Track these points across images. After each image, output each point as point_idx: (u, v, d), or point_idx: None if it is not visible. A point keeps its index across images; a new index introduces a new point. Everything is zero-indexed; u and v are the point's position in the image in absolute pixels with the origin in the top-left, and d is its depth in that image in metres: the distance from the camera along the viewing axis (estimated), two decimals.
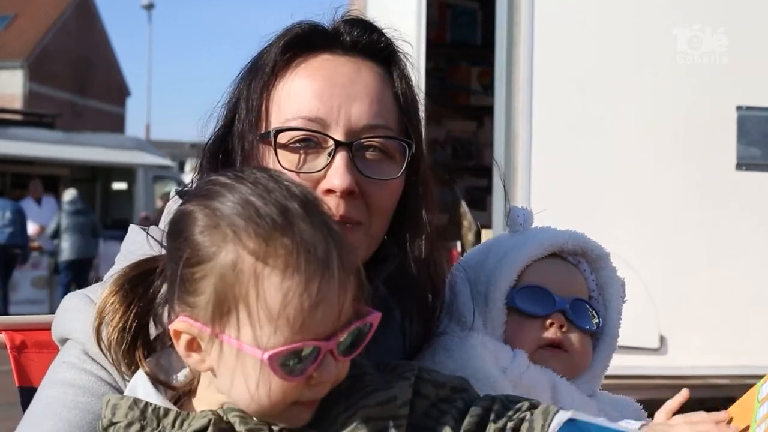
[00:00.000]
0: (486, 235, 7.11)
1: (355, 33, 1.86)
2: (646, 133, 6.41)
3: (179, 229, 1.51)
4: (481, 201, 8.75)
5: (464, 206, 8.13)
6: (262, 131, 1.82)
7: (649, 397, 6.41)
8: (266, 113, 1.82)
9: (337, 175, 1.76)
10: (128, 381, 1.61)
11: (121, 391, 1.66)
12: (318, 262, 1.43)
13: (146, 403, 1.52)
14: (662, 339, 6.26)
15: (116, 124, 41.85)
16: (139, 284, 1.61)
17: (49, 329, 2.10)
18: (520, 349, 1.87)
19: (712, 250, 6.39)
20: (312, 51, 1.84)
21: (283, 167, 1.77)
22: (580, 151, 6.40)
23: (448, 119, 9.57)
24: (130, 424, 1.51)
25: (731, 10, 6.43)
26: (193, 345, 1.49)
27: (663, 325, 6.25)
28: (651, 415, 2.00)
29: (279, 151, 1.79)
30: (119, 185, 24.45)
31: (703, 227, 6.38)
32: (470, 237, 7.86)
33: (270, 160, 1.80)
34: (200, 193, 1.53)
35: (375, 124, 1.81)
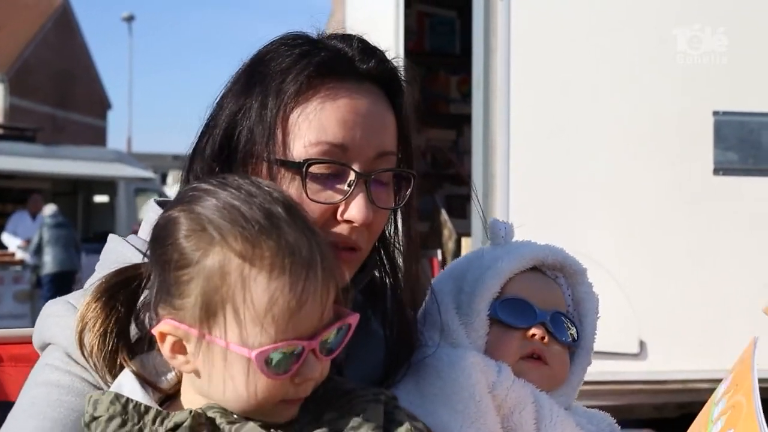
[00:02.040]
0: (466, 243, 7.13)
1: (372, 64, 1.88)
2: (625, 138, 6.44)
3: (164, 234, 1.54)
4: (461, 209, 8.77)
5: (444, 214, 8.15)
6: (279, 153, 1.81)
7: (630, 402, 6.45)
8: (283, 134, 1.82)
9: (358, 208, 1.80)
10: (110, 385, 1.63)
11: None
12: (303, 263, 1.48)
13: (127, 398, 1.55)
14: (642, 344, 6.28)
15: (97, 137, 41.74)
16: (120, 291, 1.64)
17: (26, 343, 2.11)
18: (504, 363, 1.89)
19: (691, 255, 6.42)
20: (334, 77, 1.84)
21: (311, 199, 1.79)
22: (558, 159, 6.42)
23: (427, 128, 9.58)
24: (111, 418, 1.53)
25: (731, 10, 6.47)
26: (178, 347, 1.52)
27: (643, 330, 6.27)
28: (632, 419, 2.03)
29: (306, 180, 1.80)
30: (101, 198, 24.38)
31: (683, 232, 6.41)
32: (451, 245, 7.88)
33: (287, 185, 1.80)
34: (183, 199, 1.56)
35: (385, 152, 1.85)
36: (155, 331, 1.53)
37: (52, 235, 17.17)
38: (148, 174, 24.72)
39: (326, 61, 1.85)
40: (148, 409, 1.54)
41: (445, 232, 8.05)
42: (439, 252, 7.82)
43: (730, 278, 6.38)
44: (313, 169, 1.80)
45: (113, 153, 25.58)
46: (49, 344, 1.80)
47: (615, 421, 2.04)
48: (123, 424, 1.53)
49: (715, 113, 6.41)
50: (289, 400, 1.53)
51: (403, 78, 1.94)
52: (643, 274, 6.36)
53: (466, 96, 8.58)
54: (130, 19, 46.20)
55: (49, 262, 17.11)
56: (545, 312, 1.96)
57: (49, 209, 17.78)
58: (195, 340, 1.50)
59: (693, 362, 6.29)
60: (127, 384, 1.59)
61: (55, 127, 37.33)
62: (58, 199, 20.97)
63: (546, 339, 1.94)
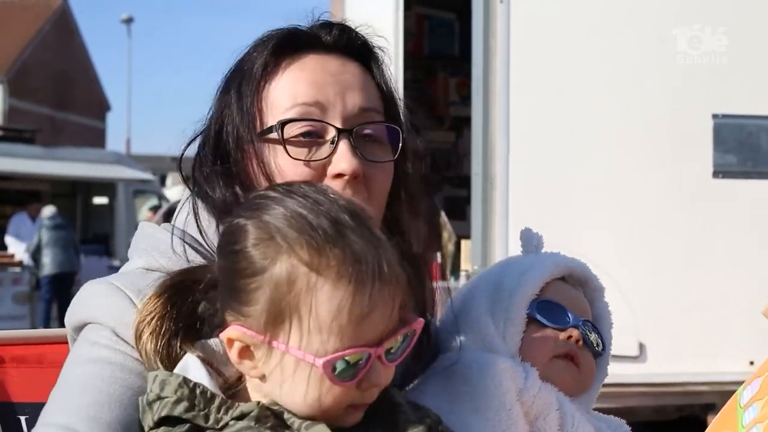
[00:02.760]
0: (465, 245, 7.13)
1: (335, 33, 1.92)
2: (625, 141, 6.45)
3: (232, 241, 1.56)
4: (460, 211, 8.78)
5: (444, 217, 8.15)
6: (259, 130, 1.85)
7: (630, 404, 6.46)
8: (260, 114, 1.86)
9: (344, 159, 1.81)
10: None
11: (146, 371, 1.68)
12: (369, 272, 1.49)
13: (195, 383, 1.56)
14: (641, 347, 6.29)
15: (96, 138, 41.75)
16: (184, 290, 1.66)
17: (27, 344, 2.11)
18: (531, 369, 1.92)
19: (690, 258, 6.42)
20: (298, 51, 1.89)
21: (293, 157, 1.81)
22: (557, 160, 6.43)
23: (426, 130, 9.58)
24: (178, 401, 1.54)
25: (731, 10, 6.48)
26: (245, 353, 1.54)
27: (642, 333, 6.28)
28: (632, 422, 2.06)
29: (286, 144, 1.83)
30: (100, 200, 24.38)
31: (682, 235, 6.42)
32: (450, 247, 7.88)
33: (272, 155, 1.84)
34: (250, 206, 1.59)
35: (368, 107, 1.87)
36: (223, 337, 1.55)
37: (50, 237, 17.17)
38: (147, 176, 24.72)
39: (288, 36, 1.90)
40: (214, 396, 1.56)
41: (445, 235, 8.05)
42: (438, 254, 7.82)
43: (729, 280, 6.39)
44: (292, 131, 1.83)
45: (112, 155, 25.59)
46: (89, 323, 1.79)
47: (630, 429, 2.09)
48: (190, 408, 1.54)
49: (714, 116, 6.42)
50: (356, 405, 1.54)
51: (373, 44, 1.97)
52: (643, 277, 6.36)
53: (466, 98, 8.59)
54: (129, 21, 46.20)
55: (48, 264, 17.11)
56: (578, 318, 2.01)
57: (48, 211, 17.78)
58: (262, 346, 1.52)
59: (692, 364, 6.30)
60: (193, 368, 1.60)
61: (54, 128, 37.34)
62: (57, 200, 20.97)
63: (580, 343, 1.98)
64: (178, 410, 1.54)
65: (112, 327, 1.75)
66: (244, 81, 1.88)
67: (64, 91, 39.56)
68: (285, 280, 1.49)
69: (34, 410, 2.00)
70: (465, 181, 8.14)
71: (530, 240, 2.15)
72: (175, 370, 1.60)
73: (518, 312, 1.98)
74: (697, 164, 6.42)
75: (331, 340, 1.48)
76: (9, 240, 18.97)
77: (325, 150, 1.83)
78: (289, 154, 1.82)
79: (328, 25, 1.94)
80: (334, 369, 1.48)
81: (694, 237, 6.43)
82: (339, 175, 1.81)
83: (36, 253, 17.28)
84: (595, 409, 2.11)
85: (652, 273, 6.40)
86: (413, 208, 1.98)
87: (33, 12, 39.35)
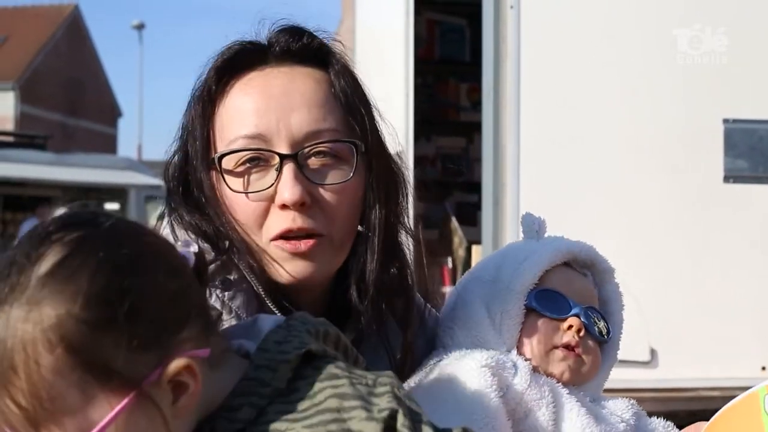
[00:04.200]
0: (476, 250, 7.12)
1: (284, 40, 1.86)
2: (635, 146, 6.43)
3: None
4: (471, 216, 8.76)
5: (454, 222, 8.14)
6: (208, 159, 1.82)
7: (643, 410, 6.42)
8: (211, 140, 1.82)
9: (286, 188, 1.75)
10: None
11: None
12: None
13: None
14: (653, 352, 6.27)
15: (108, 144, 41.87)
16: None
17: None
18: (522, 363, 1.90)
19: (701, 263, 6.40)
20: (244, 69, 1.84)
21: (233, 190, 1.77)
22: (568, 166, 6.41)
23: (437, 135, 9.60)
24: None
25: (731, 10, 6.45)
26: None
27: (653, 338, 6.26)
28: None
29: (226, 176, 1.79)
30: (111, 205, 24.41)
31: (693, 240, 6.40)
32: (461, 253, 7.87)
33: (221, 186, 1.81)
34: None
35: (317, 130, 1.80)
36: None
37: None
38: (158, 182, 24.72)
39: (232, 55, 1.85)
40: None
41: (456, 240, 8.04)
42: (449, 260, 7.81)
43: (741, 285, 6.36)
44: (238, 162, 1.78)
45: (124, 160, 25.62)
46: None
47: (640, 408, 2.06)
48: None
49: (725, 121, 6.40)
50: None
51: (330, 48, 1.90)
52: (654, 282, 6.34)
53: (476, 104, 8.59)
54: (140, 27, 46.28)
55: None
56: (579, 306, 1.98)
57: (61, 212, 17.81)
58: None
59: (704, 370, 6.28)
60: None
61: (66, 134, 37.45)
62: (69, 206, 20.96)
63: (582, 332, 1.96)
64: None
65: None
66: (197, 104, 1.85)
67: (76, 98, 39.67)
68: None
69: None
70: (475, 187, 8.14)
71: (531, 225, 2.12)
72: None
73: (515, 304, 1.95)
74: (708, 169, 6.40)
75: None
76: None
77: (270, 178, 1.78)
78: (230, 187, 1.78)
79: (281, 31, 1.88)
80: None
81: (706, 242, 6.40)
82: (284, 206, 1.76)
83: None
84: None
85: (663, 278, 6.37)
86: (370, 222, 1.88)
87: (44, 19, 39.48)
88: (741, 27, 6.42)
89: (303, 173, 1.78)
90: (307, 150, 1.79)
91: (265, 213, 1.78)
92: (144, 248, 1.41)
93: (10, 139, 25.17)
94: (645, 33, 6.46)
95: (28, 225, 19.23)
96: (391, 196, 1.92)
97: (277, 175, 1.76)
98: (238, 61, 1.85)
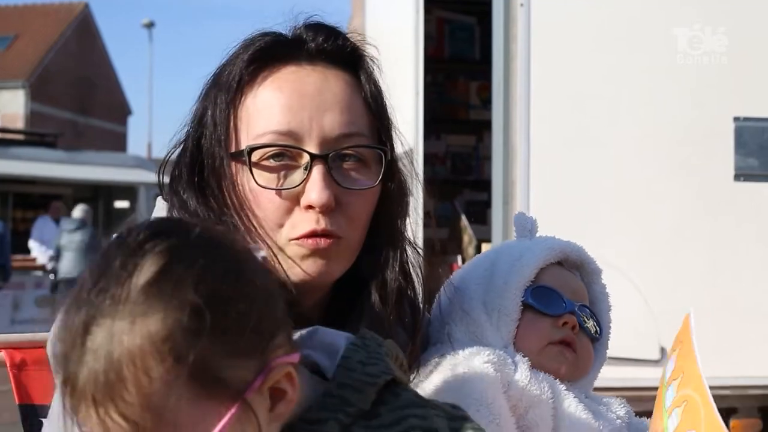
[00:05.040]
0: (486, 249, 7.12)
1: (320, 40, 1.83)
2: (645, 144, 6.42)
3: None
4: (481, 215, 8.76)
5: (464, 220, 8.14)
6: (232, 148, 1.79)
7: (650, 408, 6.42)
8: (235, 129, 1.79)
9: (314, 189, 1.73)
10: None
11: None
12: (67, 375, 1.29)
13: None
14: (663, 351, 6.26)
15: (118, 142, 41.92)
16: None
17: None
18: (521, 359, 1.90)
19: (711, 261, 6.39)
20: (277, 63, 1.80)
21: (260, 185, 1.75)
22: (578, 163, 6.41)
23: (446, 133, 9.60)
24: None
25: (731, 10, 6.45)
26: None
27: (663, 336, 6.25)
28: None
29: (254, 169, 1.76)
30: (121, 204, 24.47)
31: (703, 238, 6.39)
32: (470, 251, 7.86)
33: (244, 179, 1.77)
34: None
35: (349, 133, 1.78)
36: None
37: (69, 240, 17.21)
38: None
39: (267, 45, 1.81)
40: None
41: (465, 238, 8.04)
42: (459, 258, 7.81)
43: (751, 284, 6.35)
44: (263, 156, 1.75)
45: (134, 159, 25.67)
46: None
47: (631, 409, 2.08)
48: None
49: (736, 119, 6.39)
50: None
51: (363, 52, 1.88)
52: (663, 280, 6.34)
53: (486, 102, 8.59)
54: (150, 25, 46.33)
55: (64, 267, 17.14)
56: (573, 303, 2.00)
57: (76, 211, 17.81)
58: None
59: (713, 368, 6.24)
60: None
61: (76, 132, 37.53)
62: (79, 204, 21.03)
63: (576, 329, 1.98)
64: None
65: None
66: (221, 91, 1.81)
67: (86, 96, 39.74)
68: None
69: None
70: (486, 185, 8.15)
71: (524, 224, 2.13)
72: None
73: (512, 300, 1.96)
74: (718, 167, 6.39)
75: None
76: (32, 244, 19.05)
77: (298, 176, 1.75)
78: (257, 182, 1.75)
79: (315, 29, 1.85)
80: None
81: (716, 240, 6.40)
82: (310, 206, 1.74)
83: (57, 256, 17.34)
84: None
85: (673, 276, 6.37)
86: (395, 229, 1.89)
87: (54, 17, 39.55)
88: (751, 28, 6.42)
89: (332, 175, 1.76)
90: (337, 152, 1.77)
91: (288, 211, 1.75)
92: (237, 254, 1.39)
93: (21, 137, 25.25)
94: (656, 33, 6.45)
95: (41, 223, 19.31)
96: (407, 203, 1.92)
97: (306, 175, 1.74)
98: (272, 53, 1.81)
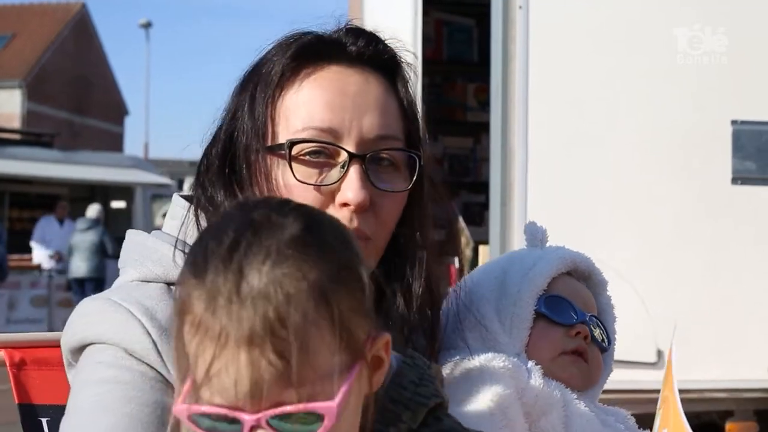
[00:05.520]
0: (483, 250, 7.12)
1: (361, 44, 1.85)
2: (643, 147, 6.43)
3: None
4: (478, 216, 8.78)
5: (461, 222, 8.14)
6: (269, 143, 1.80)
7: (647, 411, 6.42)
8: (273, 124, 1.80)
9: (351, 188, 1.75)
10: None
11: (169, 384, 1.64)
12: (220, 323, 1.29)
13: None
14: (660, 353, 6.27)
15: (115, 142, 41.88)
16: None
17: (48, 346, 2.11)
18: (534, 366, 1.91)
19: (709, 264, 6.40)
20: (320, 61, 1.82)
21: (298, 180, 1.76)
22: (576, 166, 6.42)
23: (444, 135, 9.61)
24: None
25: (731, 10, 6.46)
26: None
27: (660, 339, 6.26)
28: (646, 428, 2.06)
29: (293, 163, 1.77)
30: (118, 204, 24.48)
31: (700, 241, 6.40)
32: (468, 253, 7.87)
33: (280, 173, 1.78)
34: None
35: (386, 135, 1.81)
36: None
37: (81, 240, 17.37)
38: (164, 180, 24.83)
39: (310, 43, 1.83)
40: None
41: (462, 240, 8.05)
42: (456, 259, 7.81)
43: (748, 287, 6.36)
44: (301, 152, 1.77)
45: (130, 159, 25.73)
46: (90, 344, 1.74)
47: (635, 420, 2.08)
48: None
49: (734, 122, 6.40)
50: None
51: (401, 59, 1.90)
52: (660, 283, 6.34)
53: (484, 104, 8.60)
54: (147, 25, 46.34)
55: (74, 266, 17.28)
56: (584, 314, 2.01)
57: (91, 211, 17.97)
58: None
59: (710, 372, 6.28)
60: None
61: (73, 132, 37.50)
62: (75, 204, 21.05)
63: (589, 338, 1.99)
64: None
65: (117, 343, 1.70)
66: (260, 85, 1.82)
67: (83, 96, 39.71)
68: (174, 333, 1.36)
69: (55, 412, 2.01)
70: (483, 187, 8.16)
71: (535, 234, 2.14)
72: None
73: (526, 308, 1.97)
74: (716, 170, 6.40)
75: (200, 394, 1.30)
76: (34, 244, 19.09)
77: (335, 174, 1.77)
78: (295, 176, 1.76)
79: (356, 33, 1.87)
80: (199, 424, 1.31)
81: (713, 243, 6.40)
82: (345, 204, 1.76)
83: (68, 256, 17.49)
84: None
85: (671, 279, 6.38)
86: (423, 236, 1.90)
87: (52, 17, 39.53)
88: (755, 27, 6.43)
89: (368, 176, 1.78)
90: (374, 153, 1.79)
91: (323, 208, 1.75)
92: (344, 229, 1.46)
93: (17, 136, 25.24)
94: (653, 35, 6.46)
95: (45, 222, 19.34)
96: (431, 208, 1.94)
97: (343, 173, 1.76)
98: (316, 51, 1.82)
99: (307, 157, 1.77)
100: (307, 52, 1.82)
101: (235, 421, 1.29)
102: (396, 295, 1.87)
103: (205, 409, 1.30)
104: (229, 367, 1.28)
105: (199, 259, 1.34)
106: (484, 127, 7.20)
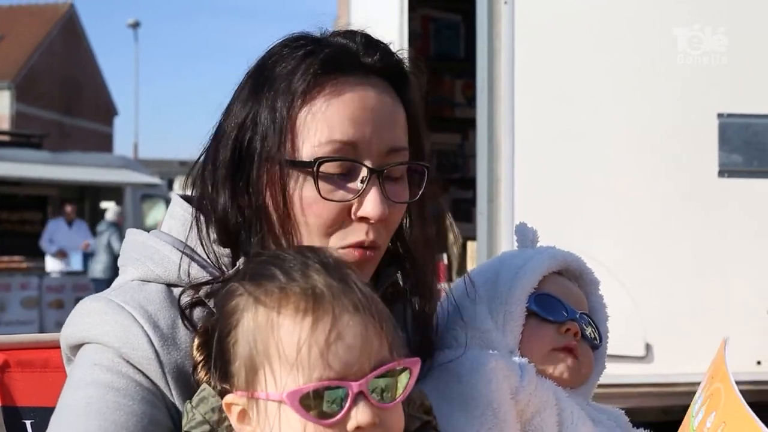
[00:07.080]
0: (471, 247, 7.13)
1: (376, 56, 1.85)
2: (629, 141, 6.45)
3: (219, 306, 1.59)
4: (466, 213, 8.76)
5: (450, 218, 8.14)
6: (290, 154, 1.79)
7: (636, 405, 6.47)
8: (293, 135, 1.79)
9: (371, 203, 1.78)
10: (176, 393, 1.68)
11: (160, 397, 1.68)
12: (329, 302, 1.46)
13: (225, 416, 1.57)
14: (648, 347, 6.28)
15: (104, 143, 41.82)
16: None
17: (33, 348, 2.10)
18: (528, 365, 1.92)
19: (696, 257, 6.42)
20: (339, 73, 1.81)
21: (323, 197, 1.77)
22: (563, 161, 6.43)
23: (432, 132, 9.58)
24: (202, 423, 1.57)
25: (731, 10, 6.47)
26: (243, 417, 1.52)
27: (649, 333, 6.27)
28: (637, 423, 2.07)
29: (318, 179, 1.78)
30: (107, 204, 24.42)
31: (688, 235, 6.41)
32: (456, 249, 7.87)
33: (299, 186, 1.79)
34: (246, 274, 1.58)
35: (399, 148, 1.83)
36: (223, 404, 1.54)
37: (99, 242, 18.06)
38: (154, 180, 24.75)
39: (331, 57, 1.82)
40: None
41: (451, 236, 8.04)
42: (444, 256, 7.81)
43: (737, 280, 6.38)
44: (325, 168, 1.77)
45: (120, 159, 25.64)
46: (89, 343, 1.75)
47: (628, 419, 2.10)
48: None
49: (720, 115, 6.42)
50: None
51: (409, 70, 1.92)
52: (649, 277, 6.36)
53: (472, 100, 8.59)
54: (135, 25, 46.26)
55: (96, 268, 17.81)
56: (575, 311, 2.03)
57: (109, 213, 18.48)
58: (251, 404, 1.49)
59: (699, 365, 6.26)
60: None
61: (62, 133, 37.43)
62: (66, 205, 21.00)
63: (578, 335, 2.00)
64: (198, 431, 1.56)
65: (116, 348, 1.71)
66: (280, 95, 1.80)
67: (72, 96, 39.65)
68: (251, 328, 1.49)
69: (39, 415, 2.00)
70: (472, 183, 8.16)
71: (526, 235, 2.16)
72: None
73: (518, 305, 1.99)
74: (703, 163, 6.42)
75: (300, 376, 1.43)
76: (43, 245, 19.16)
77: (355, 188, 1.79)
78: (320, 193, 1.77)
79: (372, 45, 1.87)
80: (307, 404, 1.43)
81: (701, 236, 6.42)
82: (364, 218, 1.78)
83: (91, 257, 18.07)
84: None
85: (659, 273, 6.39)
86: (424, 238, 1.95)
87: (40, 18, 39.46)
88: (741, 27, 6.44)
89: (384, 190, 1.80)
90: (390, 167, 1.82)
91: (341, 221, 1.78)
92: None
93: (6, 138, 25.12)
94: (638, 30, 6.48)
95: (54, 225, 19.40)
96: (433, 214, 1.99)
97: (363, 188, 1.78)
98: (338, 63, 1.82)
99: (330, 174, 1.78)
100: (328, 64, 1.81)
101: (335, 398, 1.44)
102: (394, 295, 1.91)
103: (314, 385, 1.42)
104: (347, 334, 1.45)
105: (285, 270, 1.53)
106: (472, 124, 7.20)
